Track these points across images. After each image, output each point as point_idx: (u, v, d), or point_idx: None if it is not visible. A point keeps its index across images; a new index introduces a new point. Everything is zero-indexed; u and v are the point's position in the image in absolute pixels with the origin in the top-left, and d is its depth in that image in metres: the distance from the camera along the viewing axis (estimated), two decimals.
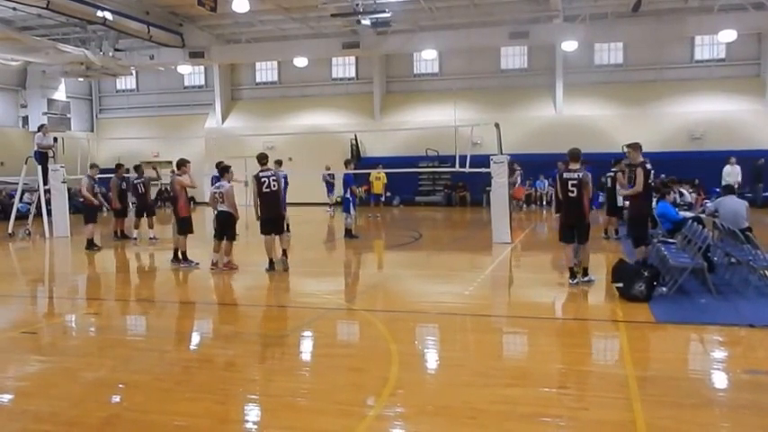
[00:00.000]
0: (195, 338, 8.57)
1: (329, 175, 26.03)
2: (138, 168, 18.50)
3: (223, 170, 13.08)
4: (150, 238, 17.55)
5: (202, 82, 36.04)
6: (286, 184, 16.72)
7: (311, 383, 6.45)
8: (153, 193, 25.03)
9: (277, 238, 12.71)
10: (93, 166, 17.56)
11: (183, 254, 13.23)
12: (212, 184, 14.30)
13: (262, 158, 12.72)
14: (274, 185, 12.44)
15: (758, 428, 5.19)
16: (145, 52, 29.71)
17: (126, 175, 18.64)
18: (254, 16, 26.92)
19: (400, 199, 30.72)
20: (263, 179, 12.39)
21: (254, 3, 23.14)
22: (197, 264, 13.08)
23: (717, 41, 27.65)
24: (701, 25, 25.89)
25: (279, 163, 17.77)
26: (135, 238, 17.72)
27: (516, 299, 11.04)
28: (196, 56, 29.78)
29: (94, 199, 16.95)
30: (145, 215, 18.12)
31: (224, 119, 34.61)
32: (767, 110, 27.70)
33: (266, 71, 35.15)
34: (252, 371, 6.85)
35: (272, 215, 12.56)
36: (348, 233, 17.47)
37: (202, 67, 34.90)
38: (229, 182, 12.86)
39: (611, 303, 9.38)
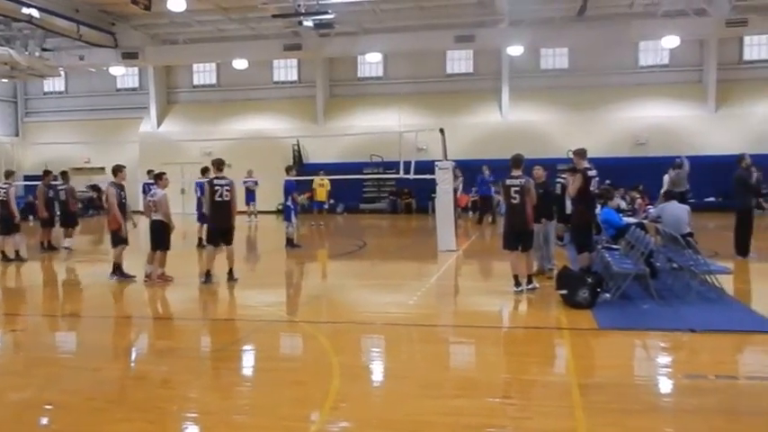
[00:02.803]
0: (128, 355, 8.24)
1: (252, 181, 25.53)
2: (63, 175, 17.81)
3: (157, 177, 12.64)
4: (64, 247, 16.81)
5: (136, 84, 35.01)
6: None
7: (251, 399, 6.29)
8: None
9: (225, 250, 12.27)
10: (8, 173, 16.69)
11: (118, 266, 12.60)
12: (145, 192, 13.80)
13: (219, 164, 12.32)
14: (227, 195, 12.03)
15: (701, 431, 5.25)
16: (74, 52, 28.64)
17: (54, 182, 17.87)
18: (191, 16, 26.36)
19: (344, 206, 30.48)
20: (216, 187, 11.99)
21: (191, 2, 22.68)
22: (133, 277, 12.51)
23: (660, 47, 28.25)
24: (644, 31, 26.38)
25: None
26: (67, 248, 17.01)
27: (461, 308, 10.97)
28: (129, 57, 28.92)
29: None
30: (65, 225, 17.39)
31: (159, 123, 33.79)
32: (709, 116, 28.39)
33: (204, 73, 34.42)
34: (189, 388, 6.58)
35: (224, 226, 12.16)
36: (289, 242, 17.15)
37: (136, 69, 33.96)
38: (163, 189, 12.41)
39: (555, 311, 9.38)
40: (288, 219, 17.15)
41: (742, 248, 13.79)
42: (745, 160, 14.01)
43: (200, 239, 16.68)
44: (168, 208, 12.25)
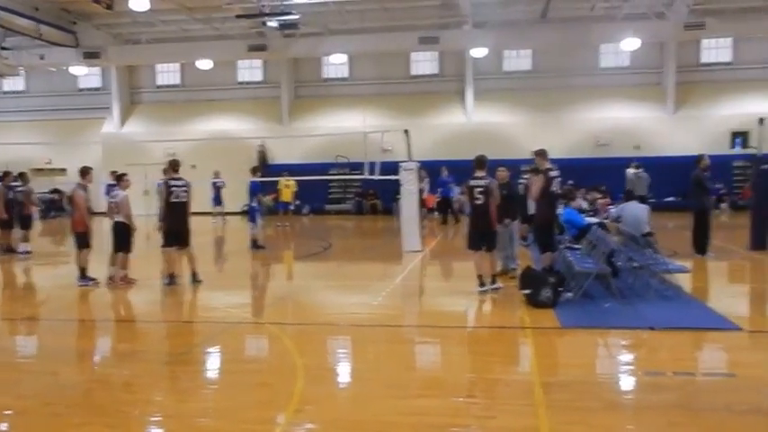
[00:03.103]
0: (90, 358, 8.12)
1: (221, 182, 25.38)
2: (22, 176, 17.53)
3: (118, 178, 12.50)
4: (20, 252, 16.49)
5: (99, 84, 34.38)
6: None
7: (215, 402, 6.24)
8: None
9: (184, 253, 12.23)
10: None
11: (81, 270, 12.32)
12: (107, 193, 13.59)
13: (174, 165, 12.28)
14: (184, 196, 11.98)
15: (661, 428, 5.34)
16: (35, 51, 28.11)
17: (13, 183, 17.54)
18: (154, 15, 26.02)
19: (310, 207, 30.34)
20: (172, 188, 11.93)
21: (154, 1, 22.31)
22: (96, 280, 12.30)
23: (621, 50, 28.54)
24: (605, 33, 26.69)
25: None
26: (25, 252, 16.70)
27: (426, 308, 11.02)
28: (91, 56, 28.53)
29: None
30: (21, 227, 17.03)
31: (122, 123, 33.28)
32: (668, 117, 28.86)
33: (168, 73, 33.96)
34: (151, 391, 6.54)
35: (179, 227, 12.07)
36: (254, 243, 17.08)
37: (98, 69, 33.37)
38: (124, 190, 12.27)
39: (519, 310, 9.46)
40: (252, 220, 17.07)
41: (700, 247, 14.09)
42: (704, 161, 14.26)
43: None
44: (129, 209, 12.12)
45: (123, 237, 12.09)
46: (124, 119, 33.38)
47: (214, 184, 25.29)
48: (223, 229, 24.63)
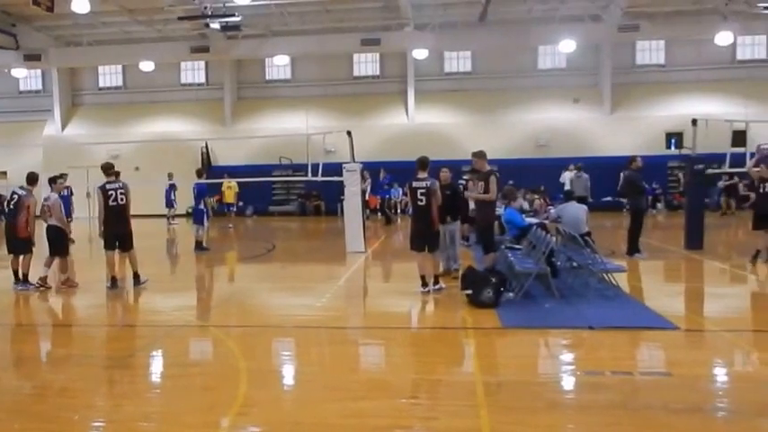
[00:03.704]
0: (29, 364, 7.92)
1: (171, 184, 25.18)
2: None
3: (51, 180, 12.23)
4: None
5: (40, 86, 33.81)
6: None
7: (158, 406, 6.16)
8: None
9: (126, 256, 12.06)
10: None
11: (24, 275, 12.00)
12: None
13: (108, 168, 12.09)
14: (122, 199, 11.82)
15: (600, 427, 5.42)
16: None
17: None
18: (96, 17, 25.70)
19: (254, 209, 30.15)
20: (110, 191, 11.77)
21: (95, 3, 21.99)
22: (36, 286, 11.99)
23: (558, 51, 29.10)
24: (543, 35, 27.16)
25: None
26: None
27: (369, 309, 11.06)
28: (32, 59, 27.94)
29: None
30: None
31: (64, 126, 32.74)
32: (605, 118, 29.55)
33: (110, 75, 33.51)
34: (93, 396, 6.43)
35: (119, 230, 11.89)
36: (198, 245, 16.93)
37: (39, 71, 32.81)
38: (59, 193, 12.00)
39: (461, 311, 9.54)
40: (200, 222, 16.92)
41: (628, 248, 14.37)
42: (636, 162, 14.60)
43: None
44: (61, 213, 11.95)
45: (58, 241, 11.87)
46: (66, 121, 32.82)
47: (171, 186, 25.01)
48: (168, 231, 24.27)
